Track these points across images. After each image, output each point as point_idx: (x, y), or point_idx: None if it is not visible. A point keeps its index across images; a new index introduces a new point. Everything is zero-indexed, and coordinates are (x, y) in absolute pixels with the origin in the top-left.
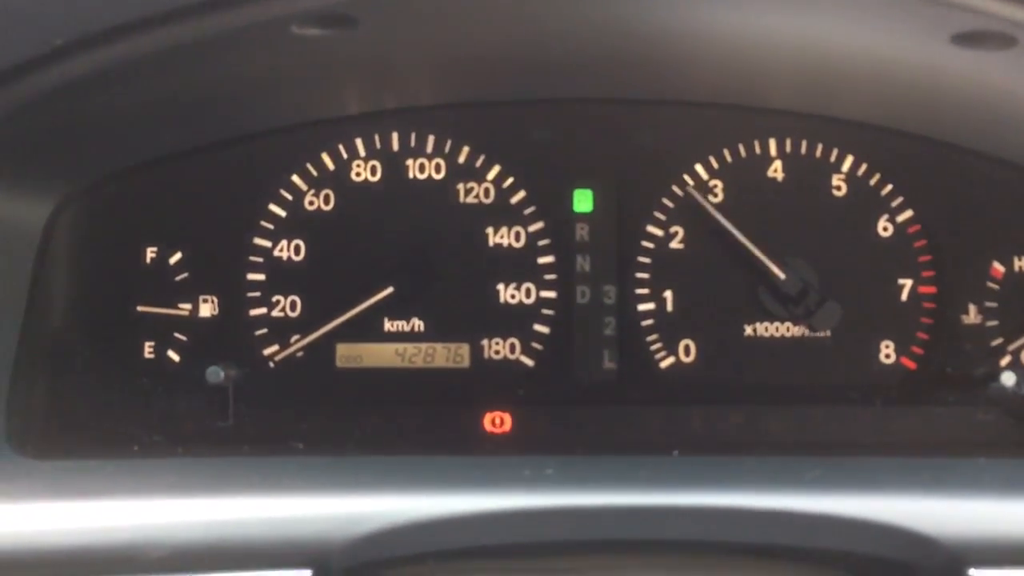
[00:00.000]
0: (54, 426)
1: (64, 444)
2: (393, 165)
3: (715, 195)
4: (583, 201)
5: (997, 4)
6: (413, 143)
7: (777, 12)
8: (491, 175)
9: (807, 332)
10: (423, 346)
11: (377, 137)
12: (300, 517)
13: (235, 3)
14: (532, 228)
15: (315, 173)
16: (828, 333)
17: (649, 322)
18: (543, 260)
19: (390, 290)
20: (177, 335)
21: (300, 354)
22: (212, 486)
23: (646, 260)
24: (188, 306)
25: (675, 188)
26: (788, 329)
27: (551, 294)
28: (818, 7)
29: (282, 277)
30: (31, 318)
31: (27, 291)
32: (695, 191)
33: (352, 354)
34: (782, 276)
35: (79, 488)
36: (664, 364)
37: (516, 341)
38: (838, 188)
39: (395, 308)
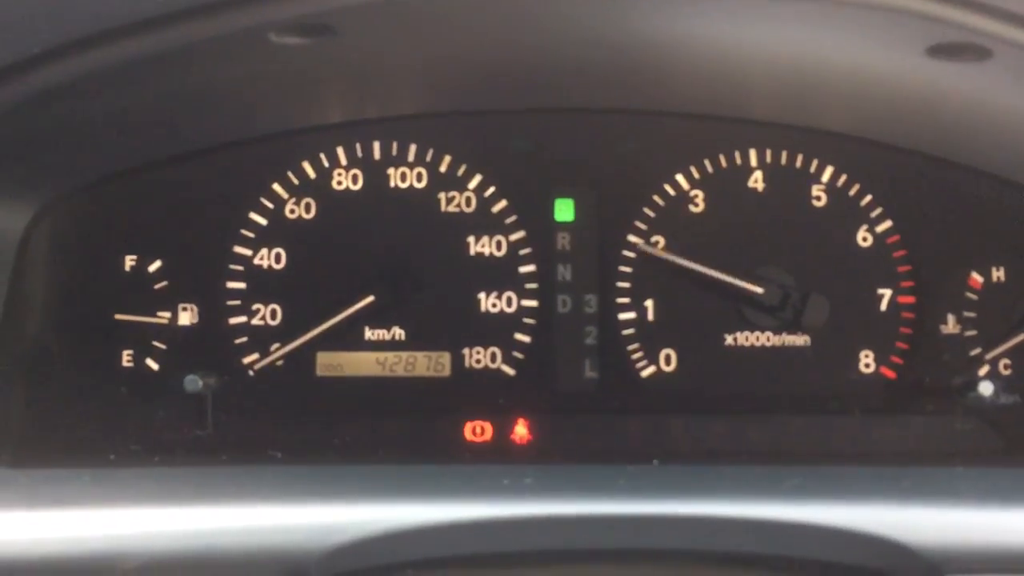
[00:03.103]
0: (31, 435)
1: (41, 453)
2: (375, 174)
3: (696, 205)
4: (564, 210)
5: (972, 17)
6: (395, 152)
7: (756, 25)
8: (473, 184)
9: (787, 341)
10: (404, 355)
11: (359, 146)
12: (279, 527)
13: (212, 11)
14: (513, 237)
15: (296, 181)
16: (809, 342)
17: (630, 331)
18: (524, 269)
19: (371, 299)
20: (156, 343)
21: (280, 363)
22: (189, 495)
23: (627, 269)
24: (167, 314)
25: (656, 198)
26: (768, 339)
27: (532, 303)
28: (796, 20)
29: (262, 285)
30: (9, 326)
31: (5, 299)
32: (647, 246)
33: (332, 363)
34: (760, 291)
35: (55, 497)
36: (645, 373)
37: (497, 350)
38: (818, 198)
39: (376, 317)
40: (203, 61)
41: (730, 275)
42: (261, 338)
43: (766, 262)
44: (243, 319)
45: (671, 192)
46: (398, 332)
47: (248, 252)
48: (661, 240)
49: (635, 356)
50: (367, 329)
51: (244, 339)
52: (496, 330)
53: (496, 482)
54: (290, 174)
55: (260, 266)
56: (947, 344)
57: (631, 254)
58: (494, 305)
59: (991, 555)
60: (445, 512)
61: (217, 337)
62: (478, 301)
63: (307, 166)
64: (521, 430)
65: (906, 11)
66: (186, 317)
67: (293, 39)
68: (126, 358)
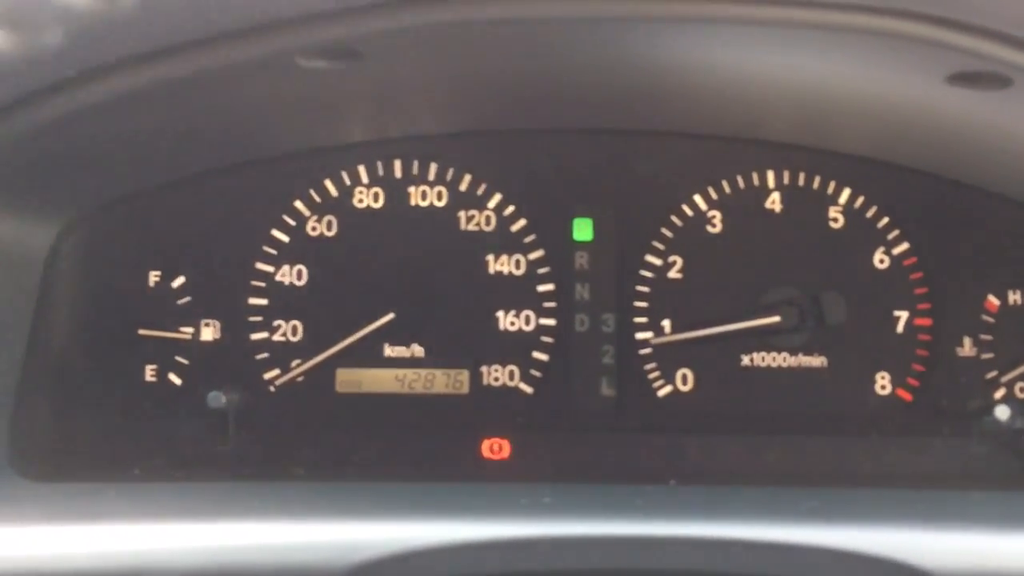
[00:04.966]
0: (56, 449)
1: (66, 467)
2: (395, 192)
3: (713, 225)
4: (583, 230)
5: (992, 46)
6: (416, 171)
7: (776, 49)
8: (492, 203)
9: (803, 362)
10: (423, 372)
11: (380, 164)
12: (299, 543)
13: (241, 36)
14: (532, 256)
15: (318, 199)
16: (826, 363)
17: (647, 351)
18: (543, 288)
19: (391, 316)
20: (179, 359)
21: (300, 379)
22: (211, 511)
23: (645, 289)
24: (190, 330)
25: (674, 218)
26: (785, 359)
27: (550, 322)
28: (815, 46)
29: (284, 302)
30: (35, 341)
31: (31, 315)
32: (659, 337)
33: (352, 379)
34: (777, 319)
35: (80, 511)
36: (662, 393)
37: (515, 368)
38: (835, 220)
39: (395, 334)
40: (230, 84)
41: (744, 320)
42: (282, 354)
43: (782, 283)
44: (264, 335)
45: (689, 213)
46: (417, 349)
47: (270, 269)
48: (679, 260)
49: (652, 375)
50: (387, 346)
51: (265, 355)
52: (514, 348)
53: (514, 501)
54: (312, 192)
55: (282, 283)
56: (963, 367)
57: (649, 274)
58: (512, 323)
59: None
60: (464, 531)
61: (239, 353)
62: (496, 319)
63: (329, 184)
64: (538, 448)
65: (926, 40)
66: (209, 333)
67: (320, 63)
68: (149, 373)
